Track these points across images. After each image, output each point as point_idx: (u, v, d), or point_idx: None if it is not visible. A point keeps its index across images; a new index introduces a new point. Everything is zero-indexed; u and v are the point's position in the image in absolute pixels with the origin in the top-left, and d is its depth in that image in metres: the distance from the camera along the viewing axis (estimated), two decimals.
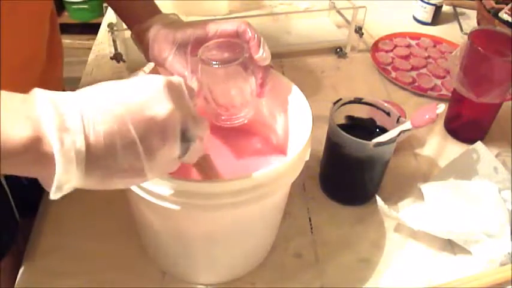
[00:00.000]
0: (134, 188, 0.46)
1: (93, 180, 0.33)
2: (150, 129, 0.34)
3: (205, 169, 0.46)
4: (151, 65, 0.39)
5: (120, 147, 0.33)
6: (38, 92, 0.32)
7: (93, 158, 0.32)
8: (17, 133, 0.30)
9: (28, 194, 0.67)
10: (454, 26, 1.12)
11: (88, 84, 0.36)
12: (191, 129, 0.38)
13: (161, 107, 0.35)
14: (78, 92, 0.34)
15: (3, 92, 0.31)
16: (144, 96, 0.35)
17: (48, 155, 0.31)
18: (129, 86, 0.35)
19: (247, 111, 0.55)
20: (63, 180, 0.32)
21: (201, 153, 0.41)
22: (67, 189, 0.33)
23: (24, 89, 0.34)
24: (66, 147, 0.31)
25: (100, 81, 0.37)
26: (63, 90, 0.34)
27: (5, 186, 0.64)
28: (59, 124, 0.31)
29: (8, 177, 0.64)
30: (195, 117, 0.38)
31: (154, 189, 0.45)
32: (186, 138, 0.37)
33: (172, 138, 0.36)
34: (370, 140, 0.61)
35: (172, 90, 0.36)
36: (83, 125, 0.32)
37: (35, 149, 0.31)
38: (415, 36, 1.06)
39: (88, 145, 0.32)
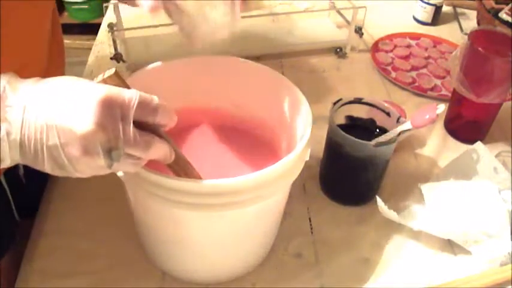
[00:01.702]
0: (134, 188, 0.46)
1: (26, 163, 0.39)
2: (71, 139, 0.37)
3: (178, 172, 0.46)
4: (111, 71, 0.39)
5: (46, 148, 0.38)
6: None
7: (25, 150, 0.38)
8: None
9: (28, 194, 0.67)
10: (454, 26, 1.12)
11: None
12: (118, 150, 0.38)
13: (83, 123, 0.37)
14: (31, 85, 0.38)
15: None
16: (76, 106, 0.37)
17: None
18: (70, 94, 0.38)
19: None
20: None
21: (137, 167, 0.41)
22: (4, 165, 0.38)
23: None
24: (1, 135, 0.37)
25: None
26: None
27: (5, 186, 0.64)
28: (2, 116, 0.36)
29: (7, 177, 0.64)
30: (127, 139, 0.38)
31: (154, 189, 0.45)
32: (110, 156, 0.38)
33: (89, 154, 0.38)
34: (370, 140, 0.61)
35: (107, 108, 0.37)
36: (22, 117, 0.37)
37: None
38: (415, 37, 1.06)
39: (22, 138, 0.37)
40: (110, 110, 0.37)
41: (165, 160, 0.43)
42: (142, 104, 0.39)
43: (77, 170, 0.39)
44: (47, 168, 0.39)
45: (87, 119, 0.37)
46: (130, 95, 0.38)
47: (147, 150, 0.40)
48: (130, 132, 0.38)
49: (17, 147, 0.37)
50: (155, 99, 0.40)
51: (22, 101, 0.37)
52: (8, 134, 0.37)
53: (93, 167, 0.39)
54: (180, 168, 0.46)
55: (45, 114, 0.37)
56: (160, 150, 0.41)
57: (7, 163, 0.38)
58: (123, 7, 0.90)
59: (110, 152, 0.38)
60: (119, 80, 0.40)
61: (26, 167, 0.64)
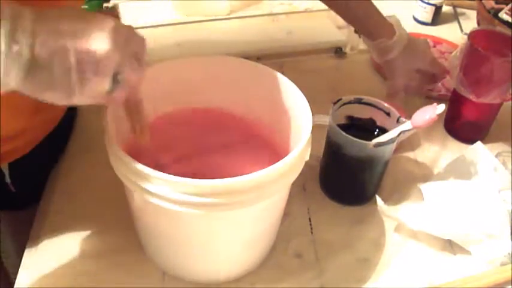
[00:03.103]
0: (134, 188, 0.46)
1: (28, 88, 0.39)
2: (86, 61, 0.39)
3: (132, 112, 0.49)
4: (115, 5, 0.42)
5: (57, 68, 0.38)
6: (2, 3, 0.37)
7: (33, 69, 0.38)
8: None
9: (13, 198, 0.67)
10: (454, 26, 1.12)
11: None
12: (123, 75, 0.42)
13: (101, 45, 0.39)
14: (41, 11, 0.39)
15: None
16: (91, 31, 0.39)
17: None
18: (84, 20, 0.40)
19: None
20: (3, 80, 0.37)
21: (127, 94, 0.45)
22: (4, 90, 0.38)
23: None
24: (11, 54, 0.37)
25: None
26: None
27: None
28: (11, 35, 0.37)
29: None
30: (131, 64, 0.42)
31: (154, 189, 0.45)
32: (116, 80, 0.42)
33: (103, 75, 0.40)
34: (370, 140, 0.61)
35: (118, 34, 0.40)
36: (33, 43, 0.37)
37: None
38: (415, 36, 1.05)
39: (31, 58, 0.37)
40: (121, 36, 0.40)
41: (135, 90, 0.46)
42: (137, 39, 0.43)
43: (82, 93, 0.40)
44: (51, 91, 0.40)
45: (103, 41, 0.39)
46: (128, 26, 0.42)
47: (141, 75, 0.44)
48: (133, 56, 0.42)
49: (24, 67, 0.38)
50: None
51: (31, 24, 0.38)
52: (18, 53, 0.37)
53: (98, 91, 0.41)
54: (135, 109, 0.49)
55: (59, 37, 0.38)
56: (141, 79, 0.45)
57: (11, 84, 0.38)
58: (123, 7, 0.90)
59: (115, 76, 0.41)
60: (116, 13, 0.43)
61: (14, 174, 0.65)
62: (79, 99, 0.41)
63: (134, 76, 0.43)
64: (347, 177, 0.68)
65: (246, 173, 0.45)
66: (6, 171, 0.65)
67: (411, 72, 0.78)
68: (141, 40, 0.44)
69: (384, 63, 0.80)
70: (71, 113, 0.73)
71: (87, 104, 0.42)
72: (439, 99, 0.87)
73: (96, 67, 0.39)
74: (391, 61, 0.78)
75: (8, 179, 0.65)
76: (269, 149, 0.63)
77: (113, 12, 0.42)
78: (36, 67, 0.38)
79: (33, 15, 0.38)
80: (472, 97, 0.74)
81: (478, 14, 1.07)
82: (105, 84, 0.41)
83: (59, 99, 0.40)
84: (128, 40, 0.42)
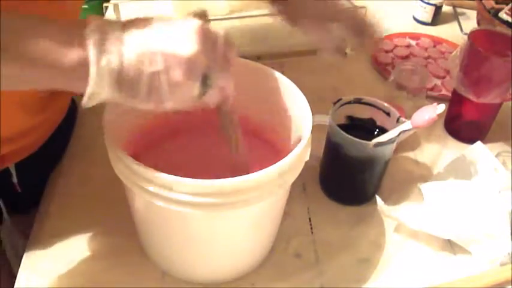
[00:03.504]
0: (134, 187, 0.46)
1: (119, 97, 0.40)
2: (175, 64, 0.39)
3: (224, 115, 0.50)
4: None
5: (146, 74, 0.39)
6: (89, 17, 0.39)
7: (124, 77, 0.38)
8: (71, 56, 0.37)
9: (20, 198, 0.67)
10: (454, 26, 1.12)
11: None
12: (213, 77, 0.42)
13: (188, 47, 0.39)
14: (124, 21, 0.40)
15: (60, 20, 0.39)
16: (176, 35, 0.40)
17: (88, 71, 0.38)
18: (166, 25, 0.40)
19: None
20: (95, 91, 0.38)
21: (219, 100, 0.45)
22: (98, 100, 0.39)
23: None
24: (101, 64, 0.37)
25: None
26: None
27: None
28: (99, 46, 0.37)
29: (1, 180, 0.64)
30: (221, 68, 0.42)
31: (154, 189, 0.45)
32: (205, 83, 0.41)
33: (192, 78, 0.40)
34: (370, 140, 0.61)
35: (205, 35, 0.40)
36: (121, 49, 0.38)
37: (82, 66, 0.37)
38: (415, 36, 1.06)
39: (121, 66, 0.38)
40: (208, 38, 0.41)
41: (227, 99, 0.46)
42: (226, 40, 0.43)
43: (172, 98, 0.40)
44: (141, 97, 0.40)
45: (191, 43, 0.39)
46: (218, 30, 0.42)
47: (230, 80, 0.44)
48: (221, 59, 0.42)
49: (115, 76, 0.38)
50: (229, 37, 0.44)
51: (119, 34, 0.38)
52: (107, 64, 0.37)
53: (188, 95, 0.41)
54: (227, 113, 0.50)
55: (145, 43, 0.39)
56: (232, 84, 0.45)
57: (103, 94, 0.39)
58: (123, 7, 0.90)
59: (205, 79, 0.41)
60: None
61: (19, 174, 0.65)
62: (171, 104, 0.41)
63: (223, 79, 0.43)
64: (347, 177, 0.68)
65: (245, 173, 0.45)
66: (13, 171, 0.65)
67: (325, 23, 0.70)
68: (231, 43, 0.43)
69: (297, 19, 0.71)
70: (71, 112, 0.73)
71: (178, 109, 0.42)
72: (439, 99, 0.87)
73: (185, 70, 0.39)
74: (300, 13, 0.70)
75: (15, 179, 0.65)
76: (269, 149, 0.63)
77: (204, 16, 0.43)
78: (126, 76, 0.38)
79: (120, 24, 0.39)
80: (472, 97, 0.74)
81: (478, 14, 1.07)
82: (195, 87, 0.41)
83: (151, 104, 0.41)
84: (216, 43, 0.41)
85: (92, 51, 0.37)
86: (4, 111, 0.53)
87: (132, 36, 0.39)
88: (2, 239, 0.70)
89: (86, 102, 0.39)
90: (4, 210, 0.67)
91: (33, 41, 0.37)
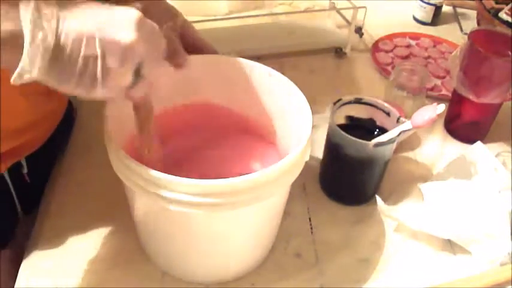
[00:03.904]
0: (134, 188, 0.46)
1: (50, 78, 0.38)
2: (112, 50, 0.38)
3: (141, 118, 0.48)
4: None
5: (82, 56, 0.38)
6: None
7: (57, 57, 0.37)
8: (2, 28, 0.35)
9: (31, 191, 0.67)
10: (454, 26, 1.12)
11: None
12: (146, 68, 0.41)
13: (127, 34, 0.39)
14: (64, 1, 0.38)
15: None
16: (116, 21, 0.39)
17: (21, 47, 0.36)
18: (108, 11, 0.40)
19: None
20: (26, 69, 0.36)
21: (145, 94, 0.45)
22: (27, 79, 0.37)
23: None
24: (36, 41, 0.36)
25: None
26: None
27: (8, 182, 0.64)
28: (35, 22, 0.36)
29: (11, 176, 0.64)
30: (154, 59, 0.42)
31: (154, 189, 0.45)
32: (138, 74, 0.41)
33: (126, 66, 0.40)
34: (370, 140, 0.61)
35: (144, 26, 0.40)
36: (57, 26, 0.37)
37: (14, 41, 0.36)
38: (415, 36, 1.06)
39: (56, 44, 0.37)
40: (146, 28, 0.40)
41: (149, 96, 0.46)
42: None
43: (105, 84, 0.39)
44: (74, 81, 0.39)
45: (130, 31, 0.39)
46: (153, 24, 0.42)
47: (159, 73, 0.44)
48: (156, 52, 0.42)
49: (48, 54, 0.37)
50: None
51: (55, 11, 0.37)
52: (43, 40, 0.36)
53: (119, 83, 0.41)
54: (145, 115, 0.48)
55: (84, 25, 0.37)
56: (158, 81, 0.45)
57: (34, 72, 0.37)
58: None
59: (137, 70, 0.41)
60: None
61: (29, 165, 0.65)
62: (101, 91, 0.40)
63: (154, 72, 0.43)
64: (347, 177, 0.68)
65: (246, 173, 0.45)
66: (23, 162, 0.65)
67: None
68: (162, 37, 0.43)
69: None
70: (68, 112, 0.73)
71: (106, 97, 0.41)
72: (439, 99, 0.87)
73: (121, 57, 0.39)
74: None
75: (25, 169, 0.65)
76: (269, 149, 0.63)
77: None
78: (60, 55, 0.37)
79: (57, 2, 0.38)
80: (472, 97, 0.74)
81: (478, 14, 1.07)
82: (128, 76, 0.41)
83: (81, 90, 0.39)
84: (152, 34, 0.41)
85: (26, 26, 0.36)
86: (7, 103, 0.54)
87: (69, 15, 0.38)
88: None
89: (15, 79, 0.37)
90: (18, 205, 0.67)
91: None
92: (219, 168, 0.60)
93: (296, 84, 0.57)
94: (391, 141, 0.62)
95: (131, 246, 0.60)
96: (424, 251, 0.63)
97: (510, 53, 0.72)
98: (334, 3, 1.06)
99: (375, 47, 1.00)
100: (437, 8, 1.09)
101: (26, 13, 0.36)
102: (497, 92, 0.72)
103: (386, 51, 1.00)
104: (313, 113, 0.53)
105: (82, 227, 0.62)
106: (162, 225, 0.53)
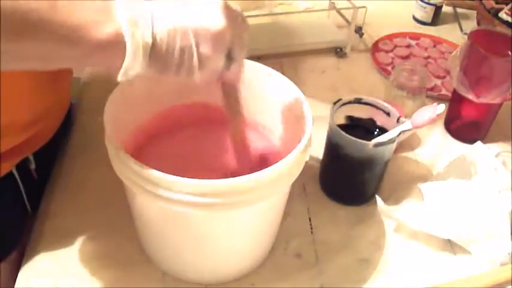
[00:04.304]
0: (134, 187, 0.46)
1: (152, 70, 0.41)
2: (205, 38, 0.41)
3: (231, 93, 0.51)
4: None
5: (178, 48, 0.40)
6: None
7: (156, 51, 0.40)
8: (103, 32, 0.38)
9: (39, 188, 0.67)
10: (454, 26, 1.12)
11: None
12: (236, 51, 0.44)
13: (217, 22, 0.41)
14: (150, 1, 0.40)
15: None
16: (204, 11, 0.41)
17: (122, 46, 0.38)
18: (193, 2, 0.42)
19: None
20: (130, 66, 0.39)
21: (237, 76, 0.48)
22: (132, 75, 0.40)
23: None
24: (136, 39, 0.38)
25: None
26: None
27: (17, 178, 0.63)
28: (132, 22, 0.38)
29: (19, 172, 0.64)
30: (242, 43, 0.45)
31: (154, 189, 0.45)
32: (230, 57, 0.44)
33: (220, 50, 0.42)
34: (370, 140, 0.61)
35: (229, 12, 0.42)
36: (152, 24, 0.39)
37: (114, 43, 0.38)
38: (415, 37, 1.06)
39: (154, 40, 0.39)
40: (231, 14, 0.43)
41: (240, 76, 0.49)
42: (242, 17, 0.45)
43: (201, 71, 0.42)
44: (173, 70, 0.42)
45: (219, 18, 0.41)
46: (237, 7, 0.44)
47: (245, 56, 0.46)
48: (241, 35, 0.44)
49: (148, 50, 0.39)
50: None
51: (149, 9, 0.39)
52: (142, 37, 0.38)
53: (214, 68, 0.44)
54: (234, 96, 0.52)
55: (175, 17, 0.40)
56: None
57: (137, 68, 0.40)
58: None
59: (229, 54, 0.44)
60: None
61: (37, 162, 0.65)
62: (198, 76, 0.43)
63: (242, 55, 0.45)
64: (347, 177, 0.68)
65: (246, 173, 0.45)
66: (31, 158, 0.65)
67: None
68: (245, 19, 0.45)
69: None
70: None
71: (204, 81, 0.44)
72: (439, 99, 0.87)
73: (213, 44, 0.41)
74: None
75: (33, 165, 0.65)
76: (269, 149, 0.63)
77: None
78: (158, 49, 0.40)
79: (145, 2, 0.40)
80: (472, 97, 0.74)
81: (478, 14, 1.07)
82: (221, 60, 0.43)
83: (181, 76, 0.42)
84: (237, 18, 0.43)
85: (126, 26, 0.38)
86: (14, 96, 0.54)
87: (161, 11, 0.40)
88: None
89: (121, 76, 0.40)
90: (27, 203, 0.67)
91: (67, 16, 0.37)
92: (218, 168, 0.60)
93: (296, 84, 0.57)
94: (391, 141, 0.62)
95: (131, 246, 0.60)
96: (424, 251, 0.63)
97: (510, 53, 0.72)
98: (334, 3, 1.06)
99: (375, 47, 1.00)
100: (437, 8, 1.09)
101: (122, 13, 0.38)
102: (497, 92, 0.72)
103: (387, 51, 1.00)
104: (313, 113, 0.53)
105: (82, 227, 0.62)
106: (162, 225, 0.53)
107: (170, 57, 0.41)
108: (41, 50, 0.37)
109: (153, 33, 0.39)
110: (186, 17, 0.41)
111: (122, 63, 0.39)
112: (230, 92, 0.51)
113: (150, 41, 0.39)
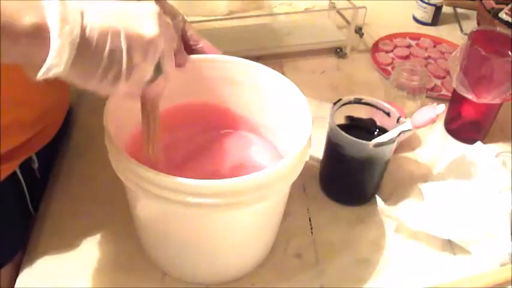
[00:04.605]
0: (134, 188, 0.46)
1: (75, 72, 0.37)
2: (136, 45, 0.38)
3: (148, 116, 0.48)
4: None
5: (108, 50, 0.37)
6: None
7: (83, 51, 0.36)
8: (26, 20, 0.34)
9: (41, 188, 0.67)
10: (454, 26, 1.12)
11: None
12: (165, 63, 0.42)
13: (150, 29, 0.39)
14: None
15: None
16: (139, 16, 0.39)
17: (46, 40, 0.35)
18: (128, 5, 0.40)
19: None
20: (54, 63, 0.36)
21: (161, 91, 0.45)
22: (53, 74, 0.36)
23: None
24: (63, 35, 0.35)
25: None
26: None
27: (21, 179, 0.63)
28: (61, 15, 0.35)
29: (22, 171, 0.64)
30: (171, 55, 0.43)
31: (154, 189, 0.45)
32: (158, 68, 0.42)
33: (150, 59, 0.40)
34: (370, 140, 0.61)
35: (162, 20, 0.40)
36: (82, 21, 0.36)
37: (37, 34, 0.35)
38: (415, 37, 1.06)
39: (82, 38, 0.36)
40: (164, 22, 0.41)
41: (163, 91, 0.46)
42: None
43: (129, 78, 0.39)
44: (98, 76, 0.38)
45: (153, 26, 0.39)
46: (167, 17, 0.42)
47: (173, 69, 0.44)
48: (172, 46, 0.43)
49: (75, 49, 0.36)
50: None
51: (79, 6, 0.37)
52: (69, 33, 0.35)
53: (141, 78, 0.41)
54: (153, 114, 0.48)
55: (108, 20, 0.38)
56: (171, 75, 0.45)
57: (61, 67, 0.36)
58: None
59: (158, 65, 0.41)
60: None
61: (40, 160, 0.65)
62: (123, 87, 0.40)
63: (171, 66, 0.43)
64: (347, 177, 0.68)
65: (245, 174, 0.45)
66: (34, 157, 0.65)
67: None
68: (175, 33, 0.44)
69: None
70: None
71: (126, 93, 0.41)
72: (439, 99, 0.87)
73: (145, 51, 0.39)
74: None
75: (36, 164, 0.65)
76: (269, 149, 0.63)
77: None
78: (86, 49, 0.37)
79: None
80: (472, 97, 0.74)
81: (478, 14, 1.07)
82: (150, 71, 0.41)
83: (104, 85, 0.39)
84: (168, 29, 0.42)
85: (53, 20, 0.35)
86: (16, 94, 0.54)
87: (93, 10, 0.37)
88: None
89: (42, 74, 0.36)
90: (30, 203, 0.66)
91: None
92: (219, 169, 0.60)
93: (296, 84, 0.57)
94: (391, 141, 0.62)
95: (131, 246, 0.60)
96: (424, 251, 0.63)
97: (510, 53, 0.72)
98: (334, 3, 1.06)
99: (375, 47, 1.00)
100: (437, 8, 1.09)
101: (51, 5, 0.35)
102: (497, 92, 0.72)
103: (387, 52, 1.00)
104: (313, 113, 0.53)
105: (82, 228, 0.62)
106: (162, 226, 0.53)
107: (98, 58, 0.37)
108: None
109: (82, 29, 0.36)
110: (119, 17, 0.38)
111: (43, 59, 0.36)
112: (150, 106, 0.48)
113: (77, 39, 0.36)
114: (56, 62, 0.36)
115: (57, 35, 0.35)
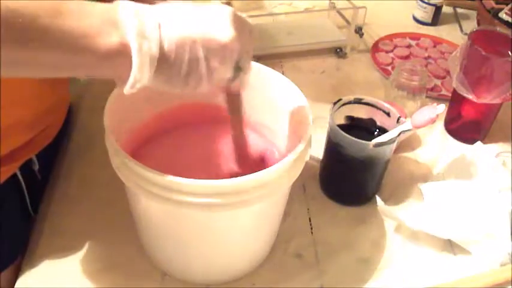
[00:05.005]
0: (135, 188, 0.46)
1: (159, 81, 0.40)
2: (214, 51, 0.40)
3: (235, 99, 0.51)
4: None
5: (187, 60, 0.39)
6: (121, 3, 0.38)
7: (163, 63, 0.39)
8: (108, 42, 0.37)
9: (42, 189, 0.67)
10: (454, 26, 1.12)
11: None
12: (244, 62, 0.44)
13: (226, 33, 0.40)
14: (157, 6, 0.39)
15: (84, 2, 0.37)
16: (213, 21, 0.40)
17: (128, 57, 0.37)
18: (201, 10, 0.41)
19: None
20: (137, 78, 0.38)
21: (244, 85, 0.48)
22: (138, 87, 0.39)
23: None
24: (143, 51, 0.37)
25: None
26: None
27: (21, 180, 0.63)
28: (139, 33, 0.37)
29: (22, 173, 0.64)
30: (249, 52, 0.44)
31: (154, 189, 0.45)
32: (238, 67, 0.43)
33: (229, 62, 0.42)
34: (370, 140, 0.61)
35: (237, 21, 0.41)
36: (160, 36, 0.38)
37: (120, 53, 0.37)
38: (415, 37, 1.06)
39: (161, 52, 0.38)
40: (239, 24, 0.42)
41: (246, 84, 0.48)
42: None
43: (210, 81, 0.41)
44: (181, 83, 0.41)
45: (228, 29, 0.40)
46: (243, 15, 0.44)
47: (251, 65, 0.46)
48: (249, 45, 0.43)
49: (154, 64, 0.38)
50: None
51: (155, 17, 0.38)
52: (149, 50, 0.37)
53: (221, 79, 0.43)
54: (236, 103, 0.51)
55: (183, 29, 0.39)
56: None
57: (144, 81, 0.39)
58: None
59: (237, 64, 0.43)
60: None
61: (40, 162, 0.65)
62: (205, 88, 0.42)
63: (249, 64, 0.45)
64: (347, 177, 0.68)
65: (246, 174, 0.45)
66: (35, 159, 0.65)
67: None
68: (252, 29, 0.44)
69: None
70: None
71: (209, 91, 0.43)
72: (439, 99, 0.87)
73: (223, 56, 0.40)
74: None
75: (36, 166, 0.65)
76: (269, 149, 0.63)
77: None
78: (166, 62, 0.39)
79: (154, 9, 0.39)
80: (472, 97, 0.74)
81: (478, 14, 1.07)
82: (229, 71, 0.43)
83: (188, 89, 0.41)
84: (244, 28, 0.42)
85: (133, 38, 0.37)
86: (15, 96, 0.54)
87: (169, 22, 0.39)
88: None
89: (128, 89, 0.39)
90: (29, 205, 0.66)
91: (72, 23, 0.36)
92: (219, 169, 0.60)
93: (296, 84, 0.57)
94: (391, 141, 0.62)
95: (131, 247, 0.60)
96: (424, 251, 0.63)
97: (510, 53, 0.72)
98: (334, 3, 1.06)
99: (375, 47, 1.00)
100: (437, 8, 1.09)
101: (129, 24, 0.37)
102: (497, 92, 0.72)
103: (387, 52, 1.00)
104: (313, 113, 0.53)
105: (82, 228, 0.62)
106: (162, 226, 0.53)
107: (178, 69, 0.40)
108: (47, 58, 0.36)
109: (160, 45, 0.38)
110: (194, 25, 0.39)
111: (128, 74, 0.38)
112: (234, 98, 0.51)
113: (157, 54, 0.38)
114: (138, 77, 0.38)
115: (136, 52, 0.37)
